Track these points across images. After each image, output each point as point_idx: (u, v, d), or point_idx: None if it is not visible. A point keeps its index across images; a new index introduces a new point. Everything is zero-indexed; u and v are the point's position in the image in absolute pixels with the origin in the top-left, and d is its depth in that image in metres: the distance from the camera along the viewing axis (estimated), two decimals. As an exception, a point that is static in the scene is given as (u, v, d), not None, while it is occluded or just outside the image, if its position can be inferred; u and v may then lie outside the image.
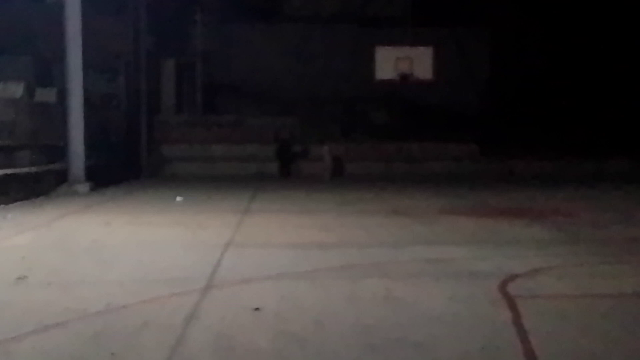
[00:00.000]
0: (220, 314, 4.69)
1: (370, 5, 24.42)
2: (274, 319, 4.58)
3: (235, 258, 6.78)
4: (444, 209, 11.04)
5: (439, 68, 20.92)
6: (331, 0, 24.32)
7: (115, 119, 19.09)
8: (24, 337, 4.21)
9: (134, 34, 19.12)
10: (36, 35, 19.32)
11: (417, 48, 20.95)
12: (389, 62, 20.71)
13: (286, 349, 4.01)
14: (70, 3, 13.78)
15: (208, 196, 13.34)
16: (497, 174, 18.86)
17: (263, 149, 20.34)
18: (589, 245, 7.59)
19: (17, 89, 13.91)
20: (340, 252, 7.08)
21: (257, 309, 4.79)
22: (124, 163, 17.86)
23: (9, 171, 12.06)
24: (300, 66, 23.16)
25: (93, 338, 4.18)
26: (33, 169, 13.09)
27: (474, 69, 23.34)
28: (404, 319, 4.60)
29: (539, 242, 7.81)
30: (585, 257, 6.86)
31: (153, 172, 18.98)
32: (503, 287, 5.47)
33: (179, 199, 12.50)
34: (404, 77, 20.72)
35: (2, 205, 10.98)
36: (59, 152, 14.39)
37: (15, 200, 11.55)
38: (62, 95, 14.49)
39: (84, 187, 13.71)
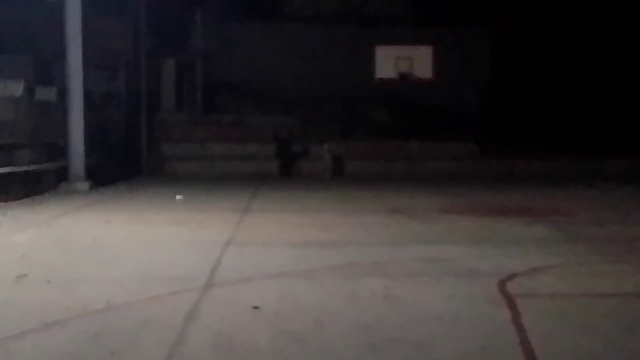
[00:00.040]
0: (220, 313, 4.69)
1: (370, 4, 24.42)
2: (274, 318, 4.59)
3: (235, 257, 6.79)
4: (444, 208, 11.04)
5: (438, 67, 20.93)
6: (331, 0, 24.32)
7: (115, 118, 19.09)
8: (24, 335, 4.22)
9: (134, 33, 19.13)
10: (36, 34, 19.31)
11: (417, 47, 20.97)
12: (389, 62, 20.72)
13: (286, 348, 4.02)
14: (71, 2, 13.79)
15: (208, 195, 13.34)
16: (496, 174, 18.85)
17: (263, 148, 20.34)
18: (588, 244, 7.59)
19: (17, 88, 13.90)
20: (340, 251, 7.09)
21: (256, 307, 4.80)
22: (124, 162, 17.86)
23: (9, 169, 12.06)
24: (300, 65, 23.16)
25: (93, 336, 4.19)
26: (33, 168, 13.10)
27: (474, 69, 23.35)
28: (403, 318, 4.60)
29: (538, 241, 7.82)
30: (585, 257, 6.87)
31: (153, 171, 18.98)
32: (503, 286, 5.48)
33: (178, 197, 12.50)
34: (404, 77, 20.73)
35: (2, 204, 10.98)
36: (59, 150, 14.40)
37: (15, 198, 11.56)
38: (62, 94, 14.50)
39: (84, 185, 13.72)
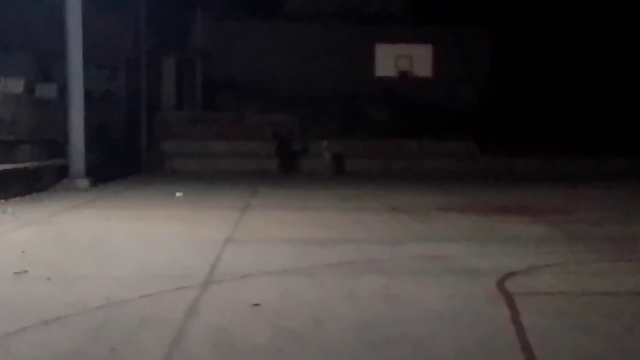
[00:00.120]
0: (220, 310, 4.70)
1: (370, 3, 24.44)
2: (273, 315, 4.59)
3: (235, 254, 6.80)
4: (443, 206, 11.05)
5: (438, 66, 21.00)
6: (331, -2, 24.36)
7: (116, 115, 19.11)
8: (23, 332, 4.22)
9: (134, 32, 19.15)
10: (37, 32, 19.32)
11: (416, 46, 21.04)
12: (389, 60, 20.79)
13: (285, 345, 4.02)
14: (71, 1, 13.79)
15: (208, 192, 13.36)
16: (496, 172, 18.87)
17: (263, 145, 20.36)
18: (588, 243, 7.60)
19: (17, 85, 13.92)
20: (339, 249, 7.09)
21: (256, 305, 4.80)
22: (124, 159, 17.89)
23: (9, 166, 12.07)
24: (300, 64, 23.18)
25: (93, 333, 4.19)
26: (33, 165, 13.11)
27: (473, 67, 23.37)
28: (402, 316, 4.61)
29: (538, 239, 7.82)
30: (585, 255, 6.87)
31: (153, 168, 19.00)
32: (502, 285, 5.48)
33: (178, 194, 12.51)
34: (404, 75, 20.75)
35: (2, 201, 10.99)
36: (60, 148, 14.41)
37: (15, 195, 11.57)
38: (63, 91, 14.51)
39: (84, 183, 13.74)
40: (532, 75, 22.90)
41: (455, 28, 23.18)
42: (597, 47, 22.66)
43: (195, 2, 23.10)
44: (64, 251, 6.93)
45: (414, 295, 5.17)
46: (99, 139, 15.85)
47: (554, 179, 16.78)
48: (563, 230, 8.63)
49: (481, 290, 5.29)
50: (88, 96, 14.47)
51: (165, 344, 4.00)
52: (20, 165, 12.55)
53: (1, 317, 4.53)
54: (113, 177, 15.16)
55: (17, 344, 4.02)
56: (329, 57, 23.20)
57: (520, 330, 4.27)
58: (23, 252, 6.71)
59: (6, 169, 11.86)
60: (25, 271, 5.84)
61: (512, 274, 5.88)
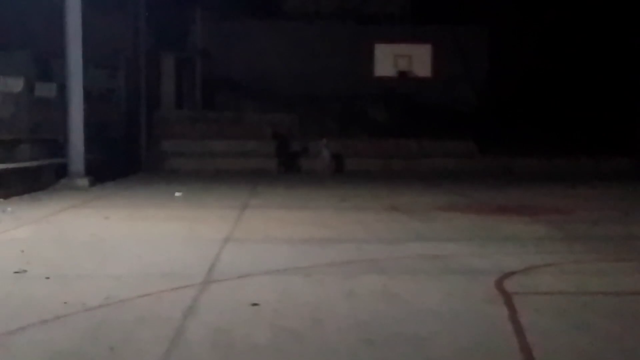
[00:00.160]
0: (219, 309, 4.70)
1: (370, 3, 24.45)
2: (273, 315, 4.59)
3: (234, 253, 6.80)
4: (443, 206, 11.06)
5: (437, 66, 20.97)
6: (330, -2, 24.37)
7: (115, 114, 19.11)
8: (23, 331, 4.22)
9: (133, 31, 19.15)
10: (36, 31, 19.31)
11: (416, 46, 21.02)
12: (388, 60, 20.77)
13: (284, 344, 4.02)
14: (71, 0, 13.78)
15: (207, 191, 13.36)
16: (495, 172, 18.88)
17: (262, 145, 20.37)
18: (587, 242, 7.60)
19: (16, 84, 13.91)
20: (338, 248, 7.10)
21: (255, 304, 4.80)
22: (123, 158, 17.88)
23: (8, 165, 12.07)
24: (300, 63, 23.18)
25: (92, 332, 4.19)
26: (33, 164, 13.11)
27: (472, 67, 23.37)
28: (401, 315, 4.61)
29: (536, 239, 7.83)
30: (584, 255, 6.88)
31: (152, 168, 19.00)
32: (501, 284, 5.49)
33: (178, 194, 12.52)
34: (403, 75, 20.75)
35: (2, 200, 10.99)
36: (59, 147, 14.41)
37: (14, 194, 11.57)
38: (62, 90, 14.51)
39: (83, 182, 13.73)
40: (531, 75, 22.89)
41: (455, 28, 23.19)
42: (597, 47, 22.66)
43: (194, 2, 23.10)
44: (63, 250, 6.94)
45: (413, 294, 5.18)
46: (99, 139, 15.84)
47: (553, 179, 16.79)
48: (562, 230, 8.64)
49: (480, 290, 5.29)
50: (87, 95, 14.47)
51: (164, 343, 4.00)
52: (19, 165, 12.55)
53: (0, 316, 4.53)
54: (112, 176, 15.16)
55: (16, 343, 4.02)
56: (328, 57, 23.20)
57: (518, 330, 4.28)
58: (22, 251, 6.71)
59: (6, 168, 11.86)
60: (25, 270, 5.84)
61: (511, 273, 5.89)
